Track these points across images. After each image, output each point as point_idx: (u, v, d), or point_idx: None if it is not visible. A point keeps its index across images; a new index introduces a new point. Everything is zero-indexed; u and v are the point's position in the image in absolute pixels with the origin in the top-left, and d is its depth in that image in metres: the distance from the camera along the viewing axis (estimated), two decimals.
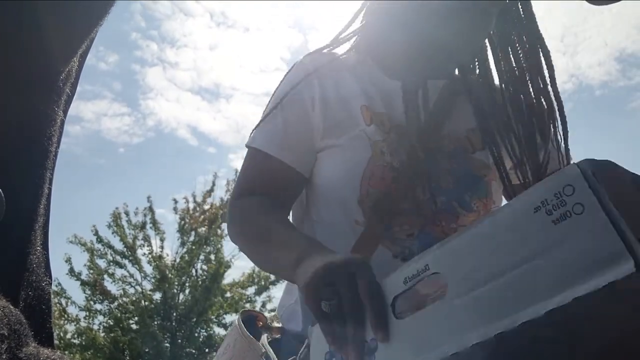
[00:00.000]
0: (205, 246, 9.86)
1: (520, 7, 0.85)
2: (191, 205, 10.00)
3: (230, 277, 10.04)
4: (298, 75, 0.86)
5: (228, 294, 9.84)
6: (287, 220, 0.84)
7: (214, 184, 10.15)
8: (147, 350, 9.19)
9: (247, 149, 0.88)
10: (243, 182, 0.86)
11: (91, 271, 9.51)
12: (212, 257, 9.84)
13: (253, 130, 0.88)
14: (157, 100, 16.60)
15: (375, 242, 0.80)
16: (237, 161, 17.38)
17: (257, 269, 10.00)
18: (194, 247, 9.79)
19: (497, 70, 0.90)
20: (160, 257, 9.67)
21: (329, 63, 0.88)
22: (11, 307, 0.38)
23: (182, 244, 9.84)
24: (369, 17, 0.92)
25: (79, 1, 0.47)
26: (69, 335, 9.41)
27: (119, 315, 9.57)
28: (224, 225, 10.02)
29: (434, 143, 0.83)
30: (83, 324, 9.51)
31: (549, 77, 0.84)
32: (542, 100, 0.84)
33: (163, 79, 17.65)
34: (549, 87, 0.84)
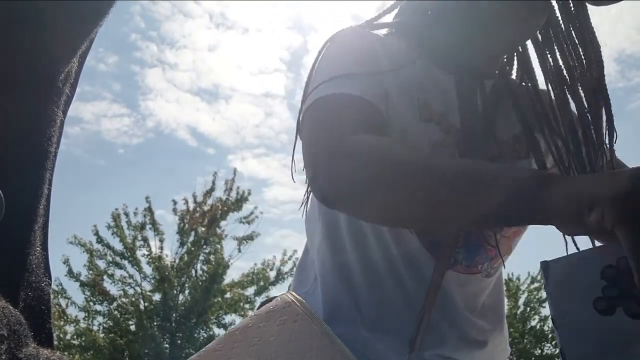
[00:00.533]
0: (204, 246, 9.85)
1: (571, 2, 0.79)
2: (191, 206, 10.00)
3: (229, 277, 10.04)
4: (366, 48, 0.78)
5: (228, 295, 9.83)
6: None
7: (213, 183, 10.16)
8: (146, 351, 9.18)
9: (319, 99, 0.72)
10: (337, 124, 0.69)
11: (90, 272, 9.51)
12: (212, 257, 9.83)
13: (323, 84, 0.73)
14: (157, 101, 16.61)
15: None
16: (237, 162, 17.39)
17: (256, 269, 10.01)
18: (193, 248, 9.78)
19: (542, 70, 0.84)
20: (160, 257, 9.66)
21: (386, 45, 0.80)
22: (11, 307, 0.38)
23: (182, 245, 9.84)
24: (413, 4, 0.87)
25: (79, 1, 0.47)
26: (68, 336, 9.41)
27: (118, 316, 9.56)
28: (223, 224, 10.03)
29: (485, 148, 0.79)
30: (82, 324, 9.52)
31: (599, 76, 0.79)
32: (595, 101, 0.79)
33: (162, 80, 17.66)
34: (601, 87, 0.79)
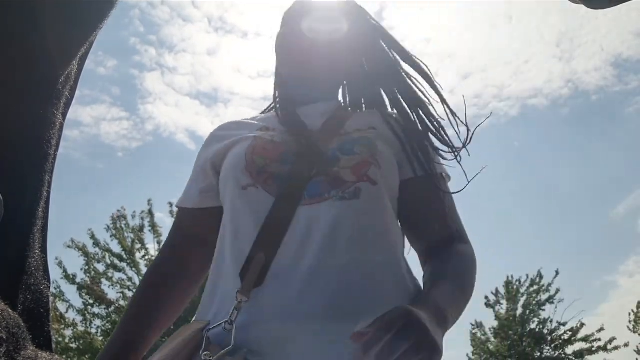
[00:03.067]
0: None
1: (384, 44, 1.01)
2: None
3: None
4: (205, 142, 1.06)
5: None
6: (136, 313, 0.98)
7: None
8: (145, 354, 9.15)
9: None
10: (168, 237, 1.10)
11: (87, 275, 9.48)
12: None
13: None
14: (156, 104, 16.64)
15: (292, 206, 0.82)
16: None
17: None
18: None
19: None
20: None
21: (230, 123, 1.08)
22: (10, 310, 0.38)
23: None
24: None
25: (79, 4, 0.47)
26: (66, 340, 9.38)
27: (116, 319, 9.53)
28: None
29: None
30: (81, 328, 9.48)
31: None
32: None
33: (162, 83, 17.69)
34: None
